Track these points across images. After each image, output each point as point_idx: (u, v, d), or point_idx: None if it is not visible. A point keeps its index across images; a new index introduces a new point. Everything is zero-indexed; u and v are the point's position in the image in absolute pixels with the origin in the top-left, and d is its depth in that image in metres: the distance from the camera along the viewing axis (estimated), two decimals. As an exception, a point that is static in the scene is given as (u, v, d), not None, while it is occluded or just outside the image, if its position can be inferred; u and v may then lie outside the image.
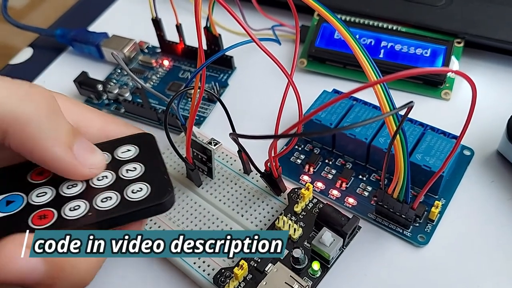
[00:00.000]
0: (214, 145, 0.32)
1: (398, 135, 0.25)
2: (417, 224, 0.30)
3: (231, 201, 0.31)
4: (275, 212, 0.30)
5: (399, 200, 0.28)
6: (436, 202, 0.30)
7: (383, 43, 0.39)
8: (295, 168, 0.34)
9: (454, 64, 0.38)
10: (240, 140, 0.28)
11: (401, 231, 0.30)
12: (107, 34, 0.43)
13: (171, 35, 0.42)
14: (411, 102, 0.22)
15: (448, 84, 0.38)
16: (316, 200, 0.30)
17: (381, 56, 0.38)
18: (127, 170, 0.24)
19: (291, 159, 0.34)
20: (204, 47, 0.40)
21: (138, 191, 0.23)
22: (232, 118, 0.30)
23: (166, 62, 0.42)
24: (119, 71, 0.42)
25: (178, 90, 0.29)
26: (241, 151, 0.29)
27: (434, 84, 0.37)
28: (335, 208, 0.28)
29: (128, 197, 0.23)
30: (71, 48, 0.45)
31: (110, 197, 0.23)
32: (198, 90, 0.28)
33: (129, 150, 0.25)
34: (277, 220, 0.29)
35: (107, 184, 0.23)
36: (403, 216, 0.29)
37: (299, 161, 0.34)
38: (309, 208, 0.30)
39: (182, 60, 0.42)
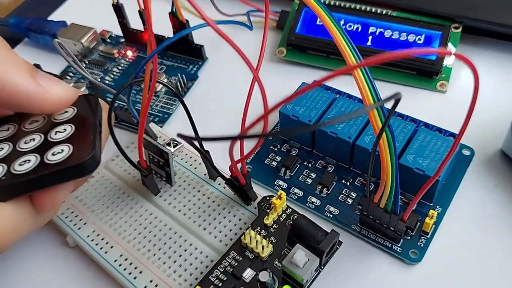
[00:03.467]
0: (174, 147, 0.27)
1: (384, 133, 0.21)
2: (409, 237, 0.26)
3: (192, 212, 0.27)
4: (243, 224, 0.26)
5: (387, 210, 0.24)
6: (431, 211, 0.25)
7: (371, 29, 0.34)
8: (270, 172, 0.29)
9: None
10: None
11: (389, 245, 0.26)
12: (65, 22, 0.39)
13: (136, 23, 0.37)
14: (398, 93, 0.18)
15: (445, 75, 0.33)
16: (291, 210, 0.26)
17: (368, 43, 0.34)
18: (56, 132, 0.23)
19: (265, 161, 0.30)
20: (170, 34, 0.36)
21: (58, 153, 0.22)
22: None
23: (129, 53, 0.37)
24: (77, 63, 0.37)
25: (126, 83, 0.25)
26: (202, 154, 0.25)
27: (428, 75, 0.33)
28: (311, 220, 0.24)
29: (48, 159, 0.21)
30: (27, 39, 0.41)
31: (29, 160, 0.22)
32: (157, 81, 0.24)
33: (66, 112, 0.24)
34: (243, 236, 0.24)
35: (31, 147, 0.22)
36: (392, 228, 0.25)
37: (274, 163, 0.30)
38: (281, 219, 0.25)
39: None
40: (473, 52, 0.35)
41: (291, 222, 0.25)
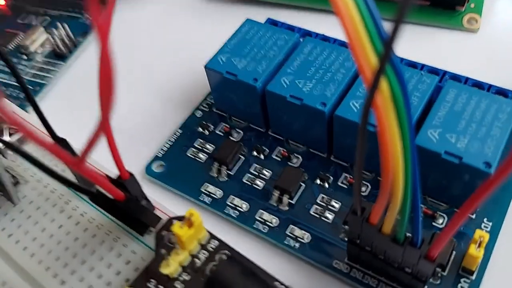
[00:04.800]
0: (10, 136, 0.16)
1: (386, 83, 0.09)
2: (438, 281, 0.14)
3: (46, 250, 0.15)
4: (134, 272, 0.14)
5: (397, 240, 0.12)
6: (478, 232, 0.13)
7: None
8: (194, 171, 0.18)
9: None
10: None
11: (404, 299, 0.14)
12: None
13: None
14: None
15: (474, 5, 0.21)
16: (218, 243, 0.14)
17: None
18: None
19: (187, 153, 0.18)
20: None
21: None
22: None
23: None
24: None
25: None
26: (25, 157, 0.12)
27: (450, 6, 0.21)
28: (248, 267, 0.12)
29: None
30: None
31: None
32: None
33: None
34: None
35: None
36: (408, 270, 0.13)
37: (203, 156, 0.18)
38: (198, 263, 0.13)
39: (28, -3, 0.25)
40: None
41: (214, 267, 0.13)
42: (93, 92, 0.14)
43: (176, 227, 0.13)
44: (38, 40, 0.23)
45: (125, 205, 0.13)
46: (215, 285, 0.12)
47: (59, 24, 0.22)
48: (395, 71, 0.10)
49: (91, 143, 0.11)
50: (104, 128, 0.11)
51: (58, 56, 0.22)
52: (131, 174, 0.14)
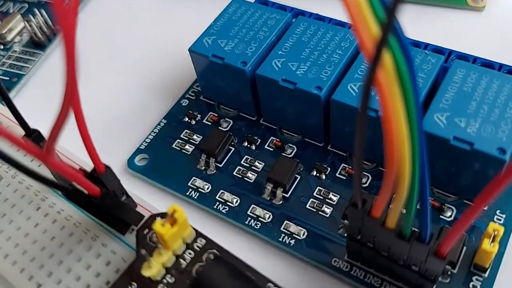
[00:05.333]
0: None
1: (390, 56, 0.08)
2: (448, 280, 0.13)
3: (21, 251, 0.14)
4: (114, 273, 0.13)
5: (403, 235, 0.11)
6: (492, 225, 0.12)
7: None
8: (181, 164, 0.16)
9: None
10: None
11: (411, 300, 0.13)
12: None
13: None
14: None
15: (479, -18, 0.20)
16: (204, 241, 0.13)
17: None
18: None
19: (173, 146, 0.17)
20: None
21: None
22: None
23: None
24: None
25: None
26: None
27: (453, -17, 0.20)
28: (242, 264, 0.11)
29: None
30: None
31: None
32: None
33: None
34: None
35: None
36: (415, 268, 0.12)
37: (189, 148, 0.17)
38: (183, 264, 0.12)
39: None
40: None
41: (201, 268, 0.12)
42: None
43: (158, 225, 0.12)
44: (15, 29, 0.21)
45: (101, 201, 0.12)
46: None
47: (36, 11, 0.21)
48: (399, 41, 0.09)
49: (56, 126, 0.10)
50: (71, 102, 0.10)
51: (36, 45, 0.21)
52: (107, 167, 0.12)
